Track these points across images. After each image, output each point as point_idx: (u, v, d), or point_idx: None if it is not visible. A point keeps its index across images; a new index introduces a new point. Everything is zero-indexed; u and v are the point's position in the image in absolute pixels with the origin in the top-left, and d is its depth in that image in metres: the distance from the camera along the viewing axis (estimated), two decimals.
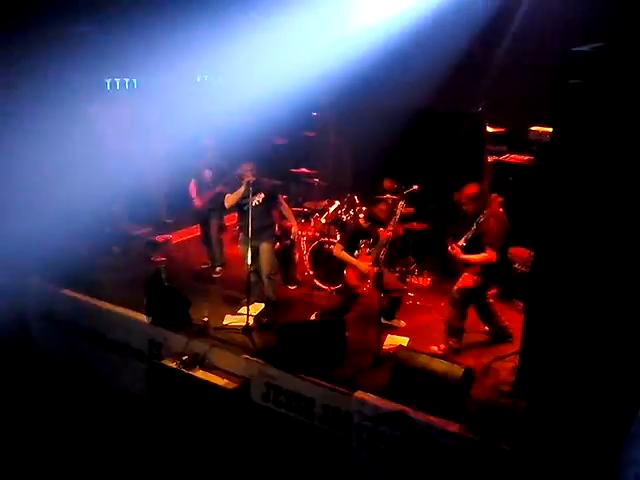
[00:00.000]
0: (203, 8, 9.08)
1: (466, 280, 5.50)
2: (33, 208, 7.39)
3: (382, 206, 6.12)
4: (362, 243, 5.98)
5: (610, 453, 3.94)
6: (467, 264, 5.47)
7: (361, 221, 6.08)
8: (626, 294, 4.08)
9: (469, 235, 5.36)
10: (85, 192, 7.83)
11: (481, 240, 5.36)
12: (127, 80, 9.50)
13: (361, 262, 5.90)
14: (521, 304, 6.17)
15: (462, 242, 5.36)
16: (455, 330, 5.62)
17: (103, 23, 8.48)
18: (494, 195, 5.69)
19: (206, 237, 7.62)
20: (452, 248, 5.37)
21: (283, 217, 6.77)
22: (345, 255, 6.01)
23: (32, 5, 7.29)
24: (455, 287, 5.58)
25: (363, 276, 5.88)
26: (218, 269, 7.52)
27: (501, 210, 5.56)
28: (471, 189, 5.45)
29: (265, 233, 6.28)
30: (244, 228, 6.15)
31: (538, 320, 4.50)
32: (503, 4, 8.34)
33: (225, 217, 7.90)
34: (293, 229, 6.60)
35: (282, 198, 6.58)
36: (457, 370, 4.85)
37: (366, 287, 5.89)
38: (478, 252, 5.37)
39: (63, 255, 7.03)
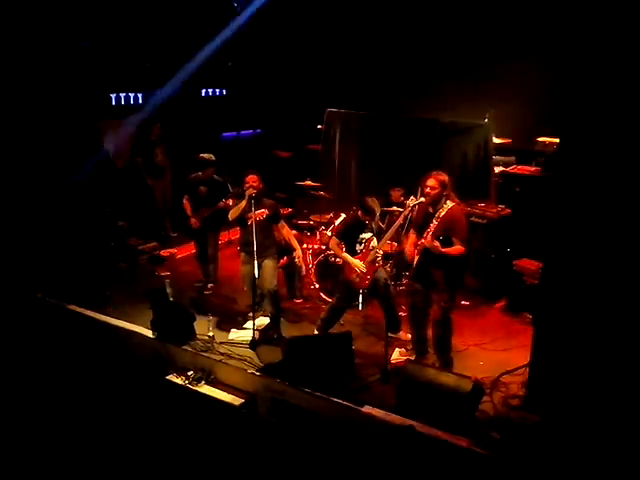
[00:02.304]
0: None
1: (442, 299, 5.40)
2: (39, 223, 7.41)
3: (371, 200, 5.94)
4: (364, 238, 5.86)
5: (628, 466, 3.88)
6: (437, 263, 5.29)
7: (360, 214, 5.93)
8: (637, 304, 4.03)
9: (434, 229, 5.20)
10: (90, 207, 7.87)
11: (449, 234, 5.21)
12: (132, 95, 9.59)
13: (355, 261, 5.81)
14: (530, 316, 6.13)
15: (432, 239, 5.17)
16: (448, 343, 5.55)
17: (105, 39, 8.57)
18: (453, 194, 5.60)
19: (202, 254, 7.46)
20: (432, 241, 5.15)
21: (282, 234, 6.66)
22: (339, 251, 5.92)
23: (36, 21, 7.35)
24: (436, 308, 5.46)
25: (361, 273, 5.78)
26: (210, 286, 7.41)
27: (461, 204, 5.49)
28: (443, 175, 5.28)
29: (268, 250, 6.16)
30: (246, 246, 6.06)
31: (547, 332, 4.46)
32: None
33: (222, 234, 7.85)
34: (296, 253, 6.43)
35: (283, 222, 6.39)
36: (466, 384, 4.79)
37: (364, 283, 5.82)
38: (446, 246, 5.20)
39: (68, 270, 7.03)
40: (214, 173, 7.27)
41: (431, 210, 5.29)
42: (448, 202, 5.24)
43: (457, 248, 5.18)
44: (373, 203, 5.79)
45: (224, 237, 8.25)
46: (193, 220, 7.20)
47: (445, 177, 5.28)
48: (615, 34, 3.95)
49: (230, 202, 6.58)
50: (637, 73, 3.86)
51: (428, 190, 5.26)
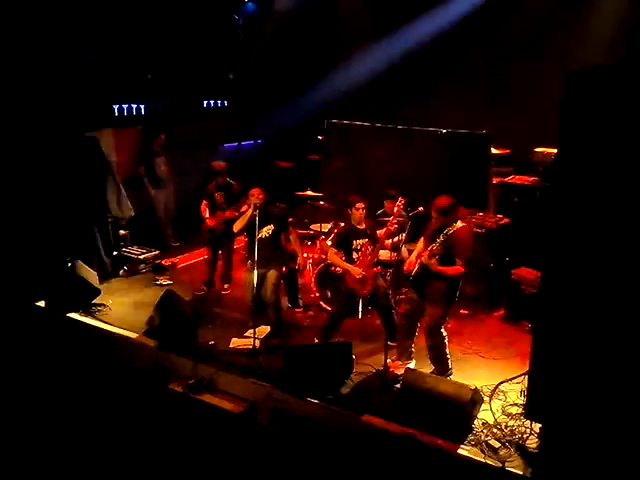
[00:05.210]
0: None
1: (435, 311, 5.44)
2: (39, 231, 7.46)
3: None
4: (358, 244, 5.93)
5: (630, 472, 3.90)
6: (435, 277, 5.34)
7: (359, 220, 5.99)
8: (636, 312, 4.06)
9: (438, 246, 5.25)
10: (92, 216, 7.91)
11: (451, 252, 5.27)
12: (134, 106, 9.68)
13: (355, 268, 5.85)
14: (529, 325, 6.15)
15: (433, 256, 5.24)
16: (443, 353, 5.57)
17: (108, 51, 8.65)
18: (463, 208, 5.67)
19: (213, 259, 7.64)
20: (429, 259, 5.23)
21: (289, 240, 6.78)
22: (338, 260, 5.98)
23: (41, 33, 7.43)
24: (427, 320, 5.50)
25: (362, 279, 5.84)
26: (226, 286, 7.65)
27: (471, 224, 5.53)
28: (442, 201, 5.35)
29: (273, 261, 6.31)
30: (252, 255, 6.17)
31: (547, 341, 4.47)
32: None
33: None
34: (299, 259, 6.60)
35: (292, 228, 6.63)
36: (465, 392, 4.81)
37: (366, 290, 5.86)
38: (448, 264, 5.27)
39: (69, 279, 7.07)
40: (228, 178, 7.53)
41: (443, 227, 5.37)
42: (459, 222, 5.32)
43: (457, 268, 5.26)
44: (352, 197, 5.98)
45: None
46: (209, 220, 7.40)
47: (443, 203, 5.33)
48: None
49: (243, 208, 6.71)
50: (635, 82, 3.91)
51: (434, 221, 5.40)
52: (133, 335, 6.45)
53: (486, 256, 6.96)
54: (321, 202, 7.91)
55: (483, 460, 4.49)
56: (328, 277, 6.97)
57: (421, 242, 5.63)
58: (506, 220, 7.17)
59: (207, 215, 7.44)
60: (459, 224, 5.30)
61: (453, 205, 5.35)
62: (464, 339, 6.28)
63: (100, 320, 6.79)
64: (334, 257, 6.03)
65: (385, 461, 4.77)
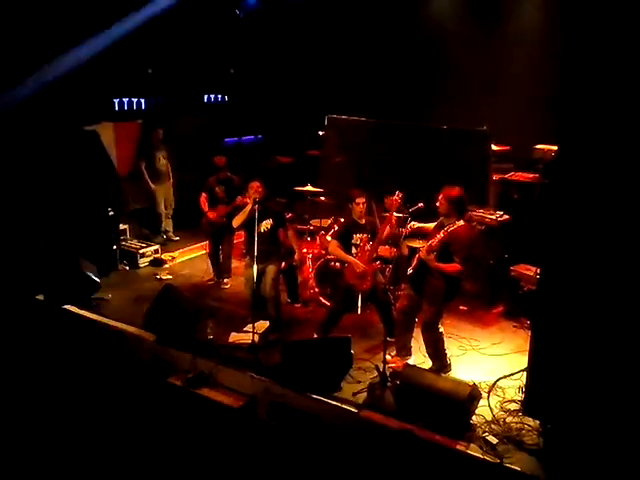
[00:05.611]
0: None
1: (431, 309, 5.44)
2: (40, 225, 7.46)
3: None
4: (358, 238, 5.95)
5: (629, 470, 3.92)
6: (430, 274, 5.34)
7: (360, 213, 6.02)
8: (635, 309, 4.07)
9: (437, 242, 5.24)
10: (93, 210, 7.92)
11: (449, 249, 5.25)
12: (135, 100, 9.67)
13: (357, 261, 5.85)
14: (527, 321, 6.17)
15: (432, 251, 5.24)
16: (440, 349, 5.58)
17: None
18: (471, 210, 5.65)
19: (215, 252, 7.69)
20: (427, 254, 5.24)
21: (287, 236, 6.78)
22: (340, 252, 5.99)
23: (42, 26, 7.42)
24: (423, 316, 5.51)
25: (362, 274, 5.84)
26: (226, 280, 7.68)
27: (474, 224, 5.50)
28: (452, 191, 5.32)
29: (272, 256, 6.32)
30: (250, 251, 6.19)
31: (545, 338, 4.49)
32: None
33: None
34: (296, 255, 6.63)
35: (289, 224, 6.62)
36: (463, 388, 4.83)
37: (365, 285, 5.86)
38: (446, 261, 5.26)
39: (69, 273, 7.08)
40: (228, 172, 7.58)
41: (444, 223, 5.37)
42: (461, 221, 5.30)
43: (454, 265, 5.23)
44: (353, 192, 6.02)
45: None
46: (210, 213, 7.45)
47: (453, 193, 5.32)
48: (613, 41, 4.00)
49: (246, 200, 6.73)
50: (635, 81, 3.92)
51: (438, 204, 5.38)
52: (132, 329, 6.46)
53: (486, 253, 6.96)
54: (321, 197, 7.91)
55: (481, 456, 4.50)
56: (327, 272, 6.98)
57: (432, 224, 5.60)
58: (506, 217, 7.17)
59: (206, 208, 7.47)
60: (460, 222, 5.29)
61: (461, 198, 5.34)
62: (463, 335, 6.29)
63: (100, 314, 6.80)
64: (337, 250, 6.03)
65: (384, 456, 4.79)
